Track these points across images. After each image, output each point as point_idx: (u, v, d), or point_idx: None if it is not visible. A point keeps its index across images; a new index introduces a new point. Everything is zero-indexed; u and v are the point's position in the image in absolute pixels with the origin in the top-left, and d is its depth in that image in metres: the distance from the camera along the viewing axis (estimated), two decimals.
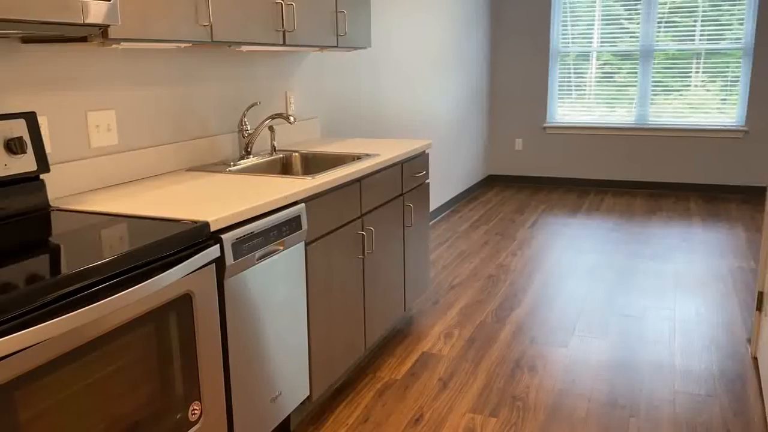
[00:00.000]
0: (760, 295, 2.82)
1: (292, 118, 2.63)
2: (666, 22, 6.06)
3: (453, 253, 4.45)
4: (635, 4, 6.12)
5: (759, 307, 2.84)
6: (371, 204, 2.63)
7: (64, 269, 1.32)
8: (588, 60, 6.38)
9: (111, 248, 1.45)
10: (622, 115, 6.40)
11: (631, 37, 6.19)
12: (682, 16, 6.01)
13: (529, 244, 4.65)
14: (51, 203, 1.90)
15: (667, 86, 6.19)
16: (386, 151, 2.84)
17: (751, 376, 2.69)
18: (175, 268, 1.53)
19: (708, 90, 6.08)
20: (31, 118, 1.79)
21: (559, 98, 6.58)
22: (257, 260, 1.90)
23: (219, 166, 2.53)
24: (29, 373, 1.24)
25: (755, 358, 2.83)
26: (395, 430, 2.34)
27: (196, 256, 1.61)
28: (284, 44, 2.49)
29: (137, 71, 2.26)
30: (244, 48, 2.37)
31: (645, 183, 6.44)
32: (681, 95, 6.17)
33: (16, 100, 1.85)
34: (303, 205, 2.11)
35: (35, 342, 1.22)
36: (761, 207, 5.68)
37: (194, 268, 1.61)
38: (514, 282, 3.85)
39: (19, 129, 1.76)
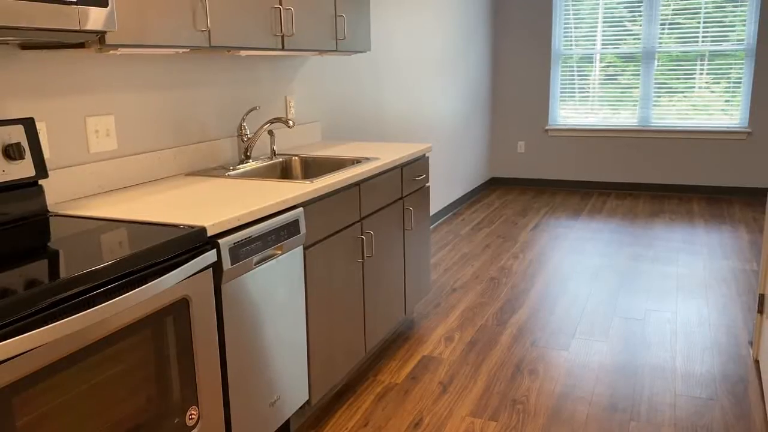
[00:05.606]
0: (762, 297, 2.81)
1: (291, 123, 2.63)
2: (669, 24, 6.05)
3: (455, 255, 4.45)
4: (638, 6, 6.11)
5: (760, 310, 2.83)
6: (371, 208, 2.63)
7: (62, 274, 1.32)
8: (591, 62, 6.38)
9: (108, 253, 1.46)
10: (625, 117, 6.39)
11: (634, 39, 6.18)
12: (685, 18, 6.00)
13: (531, 246, 4.64)
14: (50, 209, 1.91)
15: (670, 88, 6.18)
16: (386, 155, 2.84)
17: (752, 379, 2.68)
18: (172, 272, 1.54)
19: (711, 92, 6.07)
20: (29, 124, 1.80)
21: (562, 100, 6.57)
22: (255, 265, 1.90)
23: (218, 170, 2.53)
24: (27, 378, 1.24)
25: (757, 361, 2.82)
26: None
27: (193, 261, 1.61)
28: (283, 49, 2.50)
29: (136, 76, 2.27)
30: (243, 53, 2.38)
31: (648, 185, 6.42)
32: (684, 97, 6.16)
33: (15, 106, 1.86)
34: (301, 209, 2.11)
35: (33, 346, 1.22)
36: (764, 209, 5.64)
37: (191, 273, 1.61)
38: (516, 285, 3.85)
39: (17, 135, 1.77)
